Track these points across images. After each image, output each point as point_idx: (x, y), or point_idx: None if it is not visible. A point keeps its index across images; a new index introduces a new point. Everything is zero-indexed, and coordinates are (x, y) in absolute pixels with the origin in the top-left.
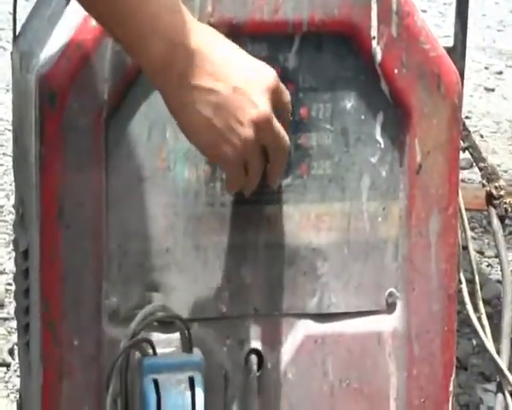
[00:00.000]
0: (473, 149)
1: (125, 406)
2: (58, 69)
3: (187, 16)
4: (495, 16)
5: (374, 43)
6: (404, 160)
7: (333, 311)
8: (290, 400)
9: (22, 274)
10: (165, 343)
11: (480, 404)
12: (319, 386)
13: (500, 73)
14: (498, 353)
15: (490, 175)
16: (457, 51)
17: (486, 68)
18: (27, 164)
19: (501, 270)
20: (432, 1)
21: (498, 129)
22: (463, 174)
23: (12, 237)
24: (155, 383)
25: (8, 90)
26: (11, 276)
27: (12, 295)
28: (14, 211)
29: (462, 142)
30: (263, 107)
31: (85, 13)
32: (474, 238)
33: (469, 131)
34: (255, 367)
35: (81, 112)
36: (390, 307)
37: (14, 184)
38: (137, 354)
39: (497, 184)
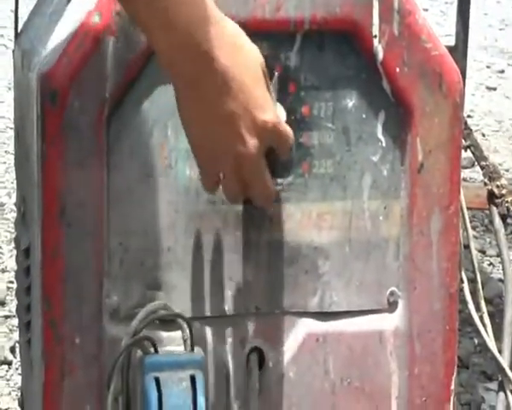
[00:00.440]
0: (474, 147)
1: (127, 404)
2: (59, 68)
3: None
4: (497, 15)
5: (375, 41)
6: (406, 158)
7: (334, 309)
8: (291, 398)
9: (24, 272)
10: (167, 341)
11: (482, 403)
12: (320, 384)
13: (502, 71)
14: (500, 352)
15: (491, 174)
16: (459, 50)
17: (488, 67)
18: (29, 162)
19: (503, 269)
20: None
21: (500, 128)
22: (465, 173)
23: (13, 235)
24: (157, 381)
25: (9, 88)
26: (13, 274)
27: (13, 292)
28: (15, 209)
29: (463, 141)
30: (250, 147)
31: (87, 10)
32: (475, 237)
33: (471, 130)
34: (256, 366)
35: (82, 110)
36: (391, 306)
37: (15, 181)
38: (139, 352)
39: (498, 183)
